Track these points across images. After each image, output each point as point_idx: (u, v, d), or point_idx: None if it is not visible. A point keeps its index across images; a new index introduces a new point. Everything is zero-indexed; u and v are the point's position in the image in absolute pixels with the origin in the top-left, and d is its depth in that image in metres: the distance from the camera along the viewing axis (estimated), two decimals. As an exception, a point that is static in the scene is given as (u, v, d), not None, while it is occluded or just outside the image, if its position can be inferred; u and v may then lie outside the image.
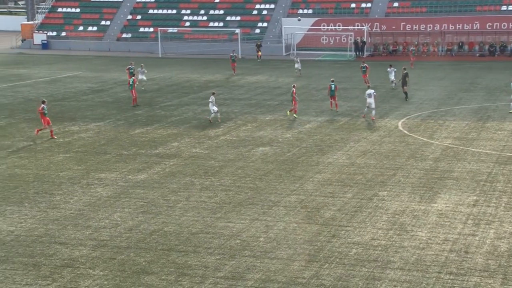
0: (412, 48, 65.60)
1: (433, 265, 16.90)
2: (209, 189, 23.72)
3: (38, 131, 31.90)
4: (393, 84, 46.75)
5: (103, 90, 46.59)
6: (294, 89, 37.26)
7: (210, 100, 35.84)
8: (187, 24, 77.08)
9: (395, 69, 47.09)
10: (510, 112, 36.60)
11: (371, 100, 35.28)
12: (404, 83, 41.93)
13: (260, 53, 66.33)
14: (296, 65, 53.85)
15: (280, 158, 27.99)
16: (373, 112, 35.27)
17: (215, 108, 35.68)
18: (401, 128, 33.36)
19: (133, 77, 42.30)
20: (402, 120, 35.38)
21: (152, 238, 19.10)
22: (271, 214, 20.99)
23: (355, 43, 69.27)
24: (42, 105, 31.67)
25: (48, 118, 31.80)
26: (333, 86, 38.51)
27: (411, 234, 19.03)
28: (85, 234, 19.28)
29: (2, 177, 24.98)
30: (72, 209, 21.52)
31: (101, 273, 16.69)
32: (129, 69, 46.64)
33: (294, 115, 36.57)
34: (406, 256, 17.48)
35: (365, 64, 48.29)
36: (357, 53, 69.32)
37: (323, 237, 18.99)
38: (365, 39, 69.38)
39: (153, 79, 53.08)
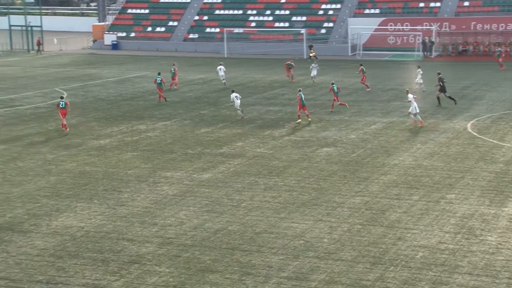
0: (498, 49, 63.24)
1: (504, 270, 16.46)
2: (273, 189, 23.77)
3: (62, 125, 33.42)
4: (421, 87, 44.55)
5: (170, 90, 47.29)
6: (299, 93, 35.26)
7: (234, 96, 36.67)
8: (253, 24, 77.41)
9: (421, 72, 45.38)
10: None
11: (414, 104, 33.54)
12: (442, 89, 39.37)
13: (313, 53, 65.69)
14: (313, 73, 50.15)
15: (345, 159, 27.79)
16: (417, 116, 33.81)
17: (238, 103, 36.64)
18: (470, 130, 32.61)
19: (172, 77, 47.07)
20: (472, 122, 34.58)
21: (217, 236, 19.28)
22: (335, 215, 20.87)
23: (423, 43, 68.07)
24: (60, 100, 33.78)
25: (65, 111, 33.38)
26: (335, 87, 38.44)
27: (480, 238, 18.59)
28: (152, 232, 19.63)
29: (73, 174, 25.70)
30: (139, 206, 21.95)
31: (167, 270, 16.96)
32: (170, 71, 48.58)
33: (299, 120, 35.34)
34: (475, 261, 17.08)
35: (361, 67, 47.11)
36: (425, 53, 68.11)
37: (388, 239, 18.76)
38: (433, 39, 68.11)
39: (219, 79, 53.54)
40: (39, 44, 75.34)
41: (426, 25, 68.94)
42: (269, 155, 28.69)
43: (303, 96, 35.33)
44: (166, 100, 42.46)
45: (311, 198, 22.68)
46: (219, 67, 49.90)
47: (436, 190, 23.10)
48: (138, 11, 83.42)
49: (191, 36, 78.68)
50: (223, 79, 49.13)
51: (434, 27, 68.49)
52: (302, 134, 32.94)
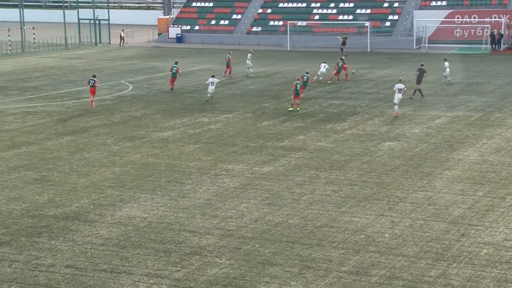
0: None
1: None
2: (334, 183, 23.67)
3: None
4: (448, 79, 44.64)
5: (232, 83, 47.62)
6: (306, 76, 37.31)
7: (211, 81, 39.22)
8: (317, 17, 77.07)
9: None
10: None
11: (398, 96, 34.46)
12: (417, 80, 40.16)
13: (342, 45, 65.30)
14: (321, 69, 48.28)
15: (408, 153, 27.41)
16: (396, 107, 34.52)
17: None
18: (539, 125, 31.68)
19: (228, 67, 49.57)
20: (541, 117, 33.59)
21: (277, 229, 19.34)
22: (397, 210, 20.63)
23: (492, 35, 66.37)
24: (91, 78, 37.85)
25: (94, 89, 37.73)
26: (305, 77, 38.64)
27: (547, 236, 18.07)
28: (213, 224, 19.84)
29: (137, 165, 26.21)
30: (201, 198, 22.21)
31: (227, 262, 17.12)
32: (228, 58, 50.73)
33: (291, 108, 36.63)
34: (541, 260, 16.63)
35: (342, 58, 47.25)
36: (494, 46, 66.40)
37: (452, 235, 18.43)
38: (502, 32, 66.29)
39: (281, 72, 53.57)
40: (121, 37, 77.40)
41: (495, 17, 67.16)
42: (330, 149, 28.57)
43: (298, 85, 36.34)
44: (172, 90, 44.26)
45: (373, 192, 22.48)
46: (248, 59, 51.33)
47: (502, 186, 22.53)
48: (202, 4, 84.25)
49: (254, 29, 78.93)
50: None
51: (503, 19, 66.66)
52: (364, 128, 32.64)
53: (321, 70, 47.97)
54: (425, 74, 41.01)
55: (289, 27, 72.32)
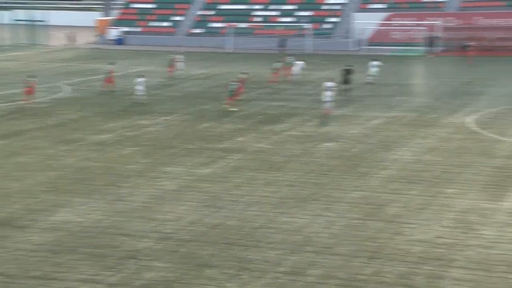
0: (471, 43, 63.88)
1: (500, 264, 16.44)
2: (273, 184, 23.77)
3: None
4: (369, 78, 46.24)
5: (172, 84, 47.33)
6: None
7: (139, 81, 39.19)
8: (258, 19, 77.38)
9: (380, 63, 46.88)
10: None
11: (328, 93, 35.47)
12: (343, 80, 41.12)
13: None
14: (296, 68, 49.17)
15: (345, 154, 27.76)
16: (327, 104, 35.40)
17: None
18: (471, 125, 32.51)
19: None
20: (473, 117, 34.48)
21: (215, 231, 19.29)
22: (334, 210, 20.86)
23: (428, 38, 67.91)
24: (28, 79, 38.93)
25: (30, 90, 38.64)
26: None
27: (478, 232, 18.56)
28: (150, 227, 19.64)
29: (73, 169, 25.74)
30: (138, 201, 21.96)
31: (164, 265, 16.97)
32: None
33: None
34: (471, 255, 17.05)
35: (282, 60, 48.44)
36: (430, 48, 67.92)
37: (386, 234, 18.74)
38: (438, 34, 67.91)
39: (221, 74, 53.55)
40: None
41: (431, 20, 68.74)
42: (269, 150, 28.69)
43: (230, 87, 37.54)
44: (107, 91, 44.01)
45: (311, 193, 22.67)
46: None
47: (435, 184, 23.06)
48: (142, 5, 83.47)
49: (196, 31, 78.69)
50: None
51: (439, 22, 68.28)
52: (303, 129, 32.91)
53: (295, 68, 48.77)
54: (350, 75, 41.73)
55: (230, 29, 72.38)
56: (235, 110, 37.05)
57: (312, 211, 20.87)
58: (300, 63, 49.84)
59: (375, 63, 47.24)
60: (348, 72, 42.14)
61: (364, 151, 28.13)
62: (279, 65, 48.95)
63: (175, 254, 17.65)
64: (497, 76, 49.24)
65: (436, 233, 18.68)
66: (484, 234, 18.41)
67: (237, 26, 74.34)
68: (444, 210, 20.46)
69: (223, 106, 38.02)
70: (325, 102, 35.65)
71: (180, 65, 52.81)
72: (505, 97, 40.18)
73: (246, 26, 75.55)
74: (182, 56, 53.66)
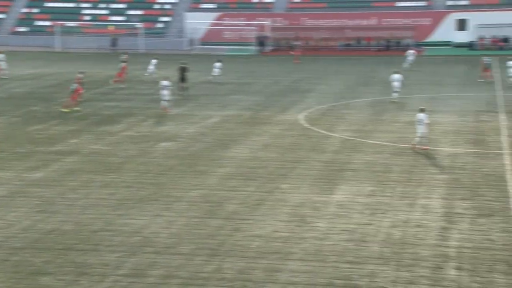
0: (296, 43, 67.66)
1: (332, 254, 17.29)
2: (110, 186, 23.29)
3: None
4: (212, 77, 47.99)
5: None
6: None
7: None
8: (87, 18, 75.32)
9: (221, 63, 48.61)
10: (392, 101, 38.88)
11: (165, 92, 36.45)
12: (182, 78, 42.30)
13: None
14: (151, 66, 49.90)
15: (183, 153, 27.85)
16: (165, 103, 36.44)
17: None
18: (302, 122, 33.92)
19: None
20: (303, 114, 35.99)
21: (49, 237, 18.55)
22: (174, 210, 20.85)
23: (258, 37, 69.88)
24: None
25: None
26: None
27: (311, 225, 19.39)
28: (-22, 236, 18.48)
29: None
30: (-36, 210, 20.58)
31: (-6, 275, 16.06)
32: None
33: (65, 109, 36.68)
34: (306, 247, 17.79)
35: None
36: (261, 47, 69.95)
37: (226, 231, 19.04)
38: (267, 34, 70.10)
39: (51, 74, 51.59)
40: None
41: (260, 20, 70.78)
42: (105, 152, 28.07)
43: (72, 87, 36.86)
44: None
45: (149, 193, 22.49)
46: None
47: (270, 180, 23.78)
48: (-40, 2, 78.28)
49: (20, 29, 75.00)
50: None
51: (268, 22, 70.48)
52: (139, 129, 32.56)
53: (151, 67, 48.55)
54: (186, 72, 42.46)
55: (57, 27, 69.80)
56: (70, 111, 35.82)
57: (151, 211, 20.72)
58: (154, 60, 49.65)
59: (218, 64, 47.87)
60: (184, 70, 42.49)
61: (201, 149, 28.38)
62: (124, 64, 48.10)
63: (5, 263, 16.76)
64: (323, 75, 51.77)
65: (273, 227, 19.27)
66: (317, 227, 19.28)
67: (65, 24, 71.88)
68: (280, 205, 21.16)
69: (61, 108, 36.70)
70: (163, 100, 35.89)
71: (2, 64, 50.06)
72: (331, 94, 42.34)
73: (75, 25, 73.28)
74: (3, 55, 50.85)
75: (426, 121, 27.28)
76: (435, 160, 26.00)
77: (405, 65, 53.53)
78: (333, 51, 68.73)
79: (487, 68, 47.33)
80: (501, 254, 17.05)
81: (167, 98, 36.41)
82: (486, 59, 47.66)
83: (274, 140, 29.85)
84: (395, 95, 39.15)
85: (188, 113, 36.69)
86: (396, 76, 39.13)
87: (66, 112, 35.96)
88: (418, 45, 67.88)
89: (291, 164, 25.85)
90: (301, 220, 19.83)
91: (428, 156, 26.66)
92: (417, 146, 27.44)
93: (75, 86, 37.36)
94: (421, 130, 27.32)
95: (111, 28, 66.25)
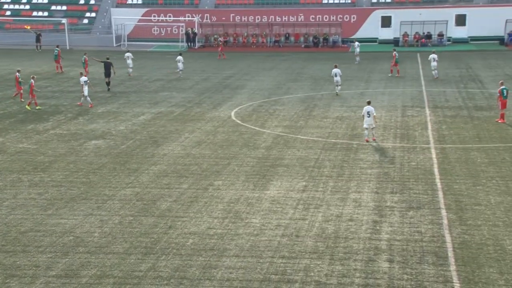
0: (219, 38, 67.99)
1: (267, 250, 17.41)
2: (39, 186, 22.73)
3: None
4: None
5: None
6: (32, 80, 36.31)
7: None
8: (8, 13, 73.08)
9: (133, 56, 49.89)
10: (336, 94, 40.09)
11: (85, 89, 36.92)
12: (107, 73, 42.87)
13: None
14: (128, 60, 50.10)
15: (114, 151, 27.44)
16: (87, 99, 36.97)
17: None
18: (234, 118, 33.97)
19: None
20: (235, 110, 36.05)
21: (-23, 240, 17.97)
22: (106, 209, 20.53)
23: (187, 34, 69.49)
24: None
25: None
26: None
27: (246, 221, 19.47)
28: None
29: None
30: None
31: None
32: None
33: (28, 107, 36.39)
34: (241, 243, 17.85)
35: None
36: (189, 44, 69.60)
37: (160, 229, 18.90)
38: (196, 30, 69.78)
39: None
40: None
41: (188, 16, 70.39)
42: (33, 150, 27.36)
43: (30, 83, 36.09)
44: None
45: (80, 192, 22.07)
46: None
47: (204, 177, 23.73)
48: None
49: None
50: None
51: (196, 19, 70.18)
52: (68, 127, 31.86)
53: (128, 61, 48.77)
54: (112, 67, 42.56)
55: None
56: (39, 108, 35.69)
57: (83, 211, 20.34)
58: (129, 54, 49.58)
59: (180, 57, 48.61)
60: (108, 65, 42.26)
61: (133, 147, 28.03)
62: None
63: None
64: (252, 71, 51.98)
65: (207, 224, 19.25)
66: (251, 222, 19.37)
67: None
68: (214, 202, 21.15)
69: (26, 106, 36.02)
70: (85, 96, 36.39)
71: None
72: (262, 90, 42.57)
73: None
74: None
75: (374, 114, 28.29)
76: (365, 155, 26.54)
77: (357, 58, 55.53)
78: (262, 48, 69.10)
79: (396, 62, 48.74)
80: (430, 246, 17.57)
81: (86, 93, 36.51)
82: (395, 53, 49.07)
83: (206, 137, 29.78)
84: (338, 88, 40.16)
85: (118, 110, 36.17)
86: (337, 70, 40.04)
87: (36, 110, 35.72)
88: (344, 42, 69.10)
89: (224, 160, 25.87)
90: (236, 216, 19.88)
91: (358, 151, 27.19)
92: (366, 138, 28.53)
93: (30, 82, 36.14)
94: (368, 122, 28.27)
95: (27, 26, 64.36)
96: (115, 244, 17.81)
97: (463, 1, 69.93)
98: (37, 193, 21.98)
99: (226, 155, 26.63)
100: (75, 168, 24.83)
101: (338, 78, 39.89)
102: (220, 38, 68.08)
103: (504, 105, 32.24)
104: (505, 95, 32.12)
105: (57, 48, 51.51)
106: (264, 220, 19.51)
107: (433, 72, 46.48)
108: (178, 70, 48.18)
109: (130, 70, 49.37)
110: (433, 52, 47.57)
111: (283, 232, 18.60)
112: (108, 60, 42.71)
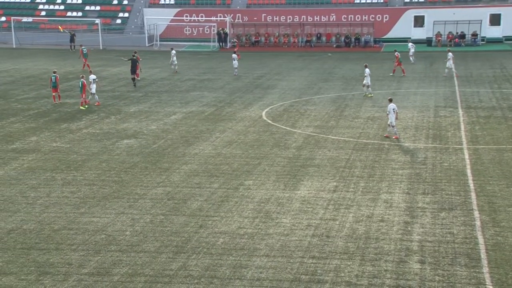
0: (233, 39, 68.19)
1: (297, 250, 17.37)
2: (72, 184, 22.99)
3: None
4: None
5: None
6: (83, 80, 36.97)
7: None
8: (43, 13, 74.09)
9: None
10: (365, 95, 39.68)
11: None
12: (132, 70, 43.83)
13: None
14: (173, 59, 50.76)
15: (146, 150, 27.64)
16: (94, 97, 37.68)
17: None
18: (265, 118, 33.97)
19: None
20: (266, 110, 36.05)
21: (10, 237, 18.24)
22: (137, 207, 20.69)
23: (218, 34, 69.68)
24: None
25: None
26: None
27: (276, 221, 19.45)
28: None
29: None
30: None
31: (-46, 277, 15.73)
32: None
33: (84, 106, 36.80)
34: (272, 243, 17.84)
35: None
36: (221, 44, 69.78)
37: (190, 228, 18.98)
38: (227, 30, 69.95)
39: (7, 71, 50.65)
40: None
41: (220, 16, 70.59)
42: (66, 149, 27.69)
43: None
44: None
45: (112, 191, 22.27)
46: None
47: (235, 177, 23.77)
48: None
49: (-26, 24, 73.41)
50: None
51: (227, 19, 70.33)
52: (101, 126, 32.19)
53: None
54: (138, 63, 43.65)
55: (13, 23, 68.49)
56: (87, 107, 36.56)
57: (115, 209, 20.52)
58: (174, 52, 50.86)
59: (174, 52, 50.12)
60: (135, 61, 43.44)
61: (164, 147, 28.20)
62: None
63: (-33, 264, 16.44)
64: (283, 71, 51.90)
65: (238, 224, 19.28)
66: (282, 222, 19.35)
67: (21, 20, 70.58)
68: (244, 201, 21.17)
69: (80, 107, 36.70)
70: (92, 94, 37.32)
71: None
72: (293, 90, 42.49)
73: (31, 20, 72.00)
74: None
75: (396, 110, 28.65)
76: (397, 155, 26.32)
77: (412, 59, 54.49)
78: (294, 48, 68.99)
79: (400, 62, 48.33)
80: (462, 247, 17.36)
81: (93, 91, 37.24)
82: (398, 54, 48.79)
83: (237, 137, 29.83)
84: (370, 90, 40.00)
85: (149, 109, 36.42)
86: (367, 70, 40.01)
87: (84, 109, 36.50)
88: (376, 42, 68.63)
89: (255, 160, 25.88)
90: (266, 216, 19.87)
91: (389, 151, 26.99)
92: (386, 134, 28.93)
93: (81, 82, 36.80)
94: (391, 119, 28.48)
95: (61, 28, 65.17)
96: (146, 242, 17.94)
97: (497, 0, 68.93)
98: (70, 191, 22.24)
99: (256, 155, 26.64)
100: (107, 167, 25.06)
101: (368, 80, 39.78)
102: (234, 39, 68.10)
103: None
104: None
105: (84, 47, 53.02)
106: (295, 220, 19.48)
107: (446, 70, 46.63)
108: (173, 64, 49.70)
109: (175, 67, 50.54)
110: (449, 51, 47.94)
111: (314, 232, 18.54)
112: (134, 57, 43.55)
